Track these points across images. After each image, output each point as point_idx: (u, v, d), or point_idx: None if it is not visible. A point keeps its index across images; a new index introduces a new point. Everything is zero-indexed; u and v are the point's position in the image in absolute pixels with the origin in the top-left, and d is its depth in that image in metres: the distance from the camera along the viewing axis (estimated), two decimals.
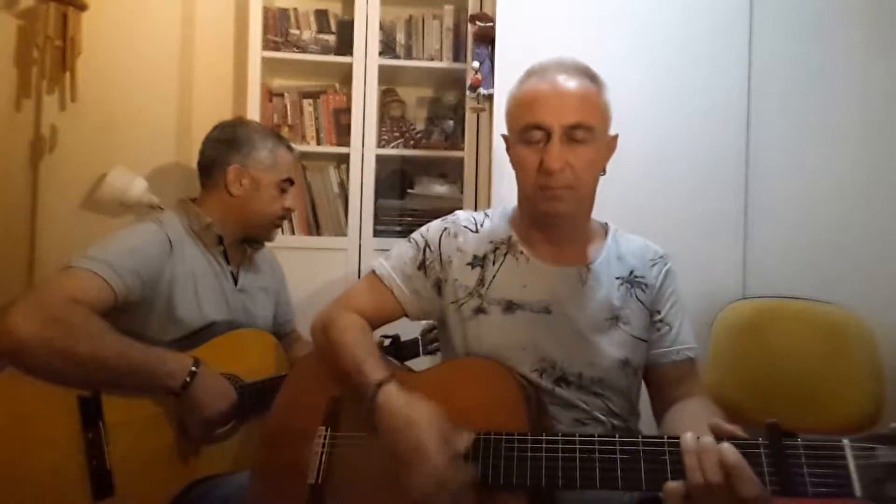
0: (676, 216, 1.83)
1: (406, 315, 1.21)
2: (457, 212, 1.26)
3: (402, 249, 1.21)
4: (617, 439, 0.86)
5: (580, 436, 0.89)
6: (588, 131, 1.05)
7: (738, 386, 1.66)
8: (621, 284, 1.14)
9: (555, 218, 1.10)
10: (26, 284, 2.07)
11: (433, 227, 1.22)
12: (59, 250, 2.03)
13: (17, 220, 2.09)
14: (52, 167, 2.13)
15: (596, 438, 0.87)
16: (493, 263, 1.15)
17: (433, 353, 1.64)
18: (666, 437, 0.84)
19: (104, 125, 2.17)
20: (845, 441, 0.74)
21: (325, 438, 1.06)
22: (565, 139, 1.04)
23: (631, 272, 1.16)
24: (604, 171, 1.13)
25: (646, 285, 1.15)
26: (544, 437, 0.90)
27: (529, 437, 0.91)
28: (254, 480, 1.12)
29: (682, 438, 0.81)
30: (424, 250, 1.19)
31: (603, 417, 1.09)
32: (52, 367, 1.14)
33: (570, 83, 1.06)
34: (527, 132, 1.06)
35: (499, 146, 1.88)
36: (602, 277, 1.14)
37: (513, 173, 1.14)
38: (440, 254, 1.18)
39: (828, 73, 1.83)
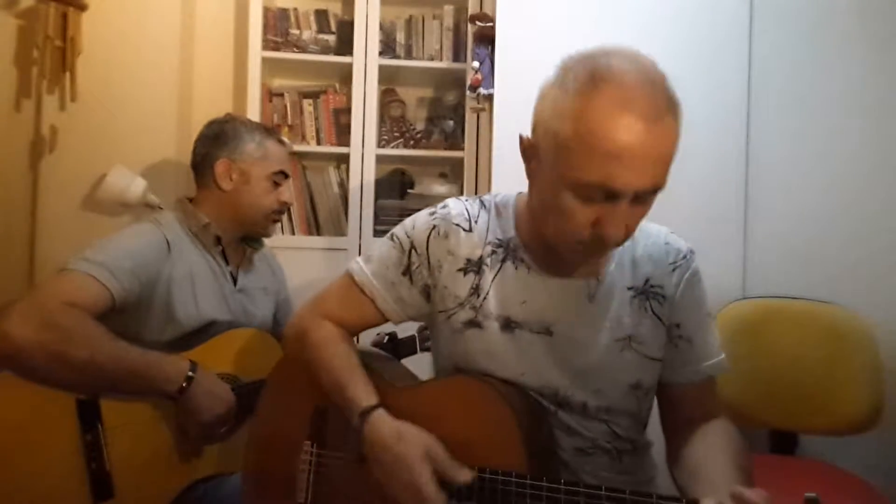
0: (676, 215, 1.79)
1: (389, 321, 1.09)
2: (448, 202, 1.08)
3: (383, 251, 1.06)
4: (628, 496, 0.79)
5: (584, 486, 0.82)
6: (658, 191, 0.86)
7: (738, 386, 1.65)
8: (634, 297, 0.99)
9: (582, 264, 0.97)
10: (26, 285, 2.07)
11: (420, 225, 1.06)
12: (59, 250, 2.03)
13: (17, 220, 2.08)
14: (52, 167, 2.12)
15: (604, 493, 0.80)
16: (490, 269, 1.00)
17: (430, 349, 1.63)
18: (684, 500, 0.78)
19: (104, 125, 2.17)
20: None
21: (311, 455, 1.03)
22: (631, 200, 0.84)
23: (646, 281, 1.00)
24: None
25: (663, 297, 1.00)
26: (545, 484, 0.83)
27: (528, 482, 0.84)
28: (244, 493, 1.12)
29: None
30: (410, 253, 1.04)
31: (608, 445, 0.99)
32: (48, 371, 1.14)
33: (657, 131, 0.80)
34: (589, 189, 0.82)
35: (499, 146, 1.89)
36: (614, 290, 0.99)
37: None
38: (428, 258, 1.03)
39: (828, 73, 1.83)
